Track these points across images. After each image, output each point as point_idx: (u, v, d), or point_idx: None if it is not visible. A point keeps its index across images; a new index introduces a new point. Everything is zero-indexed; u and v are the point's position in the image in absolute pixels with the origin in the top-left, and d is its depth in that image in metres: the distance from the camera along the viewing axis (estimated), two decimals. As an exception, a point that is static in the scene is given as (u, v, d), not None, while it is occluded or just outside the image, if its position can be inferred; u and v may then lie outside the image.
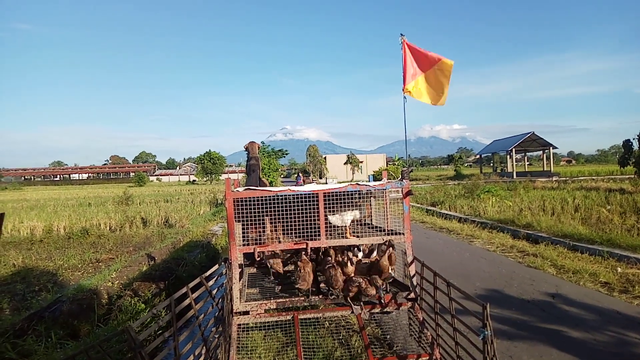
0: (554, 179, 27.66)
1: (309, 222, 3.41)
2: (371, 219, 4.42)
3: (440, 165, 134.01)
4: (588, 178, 27.77)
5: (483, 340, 2.42)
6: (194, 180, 69.92)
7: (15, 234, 11.43)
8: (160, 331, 3.64)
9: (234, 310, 3.24)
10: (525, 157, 46.93)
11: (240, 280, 3.46)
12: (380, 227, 4.00)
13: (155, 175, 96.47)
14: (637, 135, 25.67)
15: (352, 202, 3.73)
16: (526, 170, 42.85)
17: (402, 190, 3.57)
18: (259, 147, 5.74)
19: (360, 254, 3.81)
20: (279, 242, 3.53)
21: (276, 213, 3.48)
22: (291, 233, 3.50)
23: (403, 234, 3.53)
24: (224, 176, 58.17)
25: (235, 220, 3.40)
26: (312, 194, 3.41)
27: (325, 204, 3.39)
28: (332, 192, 3.45)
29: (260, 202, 3.48)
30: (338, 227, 3.66)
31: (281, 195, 3.46)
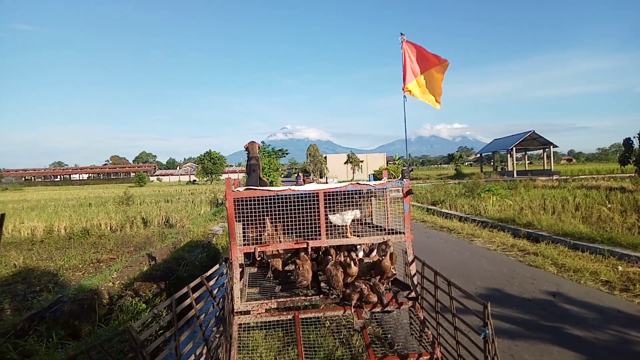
0: (555, 177, 27.64)
1: (309, 222, 3.41)
2: (372, 219, 4.41)
3: (440, 164, 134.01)
4: (588, 177, 27.74)
5: (484, 339, 2.42)
6: (194, 180, 69.95)
7: (16, 234, 11.44)
8: (161, 331, 3.65)
9: (235, 310, 3.24)
10: (526, 156, 46.92)
11: (241, 280, 3.46)
12: (381, 227, 4.00)
13: (156, 176, 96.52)
14: (638, 134, 25.64)
15: (352, 202, 3.73)
16: (527, 169, 42.85)
17: (402, 190, 3.57)
18: (259, 147, 5.74)
19: (360, 253, 3.81)
20: (280, 241, 3.53)
21: (277, 213, 3.48)
22: (292, 233, 3.50)
23: (404, 233, 3.53)
24: (224, 176, 58.19)
25: (236, 220, 3.40)
26: (313, 193, 3.41)
27: (325, 203, 3.39)
28: (333, 192, 3.45)
29: (260, 202, 3.48)
30: (339, 226, 3.66)
31: (281, 195, 3.46)
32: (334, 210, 3.57)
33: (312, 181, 34.51)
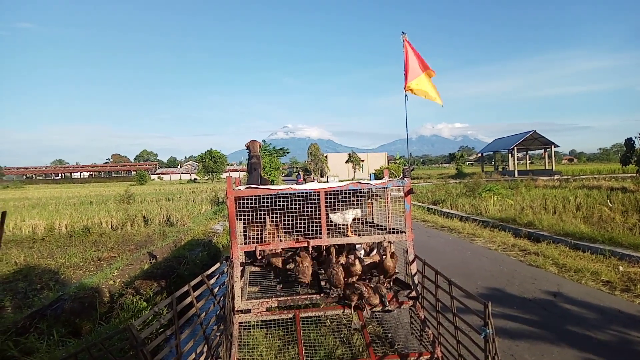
0: (556, 177, 27.59)
1: (310, 221, 3.41)
2: (372, 218, 4.41)
3: (441, 163, 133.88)
4: (590, 177, 27.68)
5: (485, 338, 2.41)
6: (195, 179, 70.01)
7: (17, 232, 11.46)
8: (161, 329, 3.66)
9: (236, 309, 3.24)
10: (527, 156, 46.82)
11: (241, 278, 3.46)
12: (381, 226, 4.00)
13: (157, 174, 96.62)
14: (639, 134, 25.60)
15: (353, 201, 3.72)
16: (528, 168, 42.77)
17: (403, 189, 3.56)
18: (260, 146, 5.74)
19: (361, 252, 3.81)
20: (280, 240, 3.53)
21: (278, 211, 3.47)
22: (293, 231, 3.50)
23: (404, 232, 3.53)
24: (225, 175, 58.23)
25: (237, 219, 3.40)
26: (314, 192, 3.41)
27: (326, 202, 3.38)
28: (334, 191, 3.45)
29: (261, 201, 3.48)
30: (339, 225, 3.66)
31: (282, 194, 3.46)
32: (335, 209, 3.56)
33: (313, 180, 34.53)
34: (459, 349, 2.82)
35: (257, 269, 4.36)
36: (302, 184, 3.87)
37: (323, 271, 3.81)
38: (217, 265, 3.85)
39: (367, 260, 3.58)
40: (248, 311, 3.29)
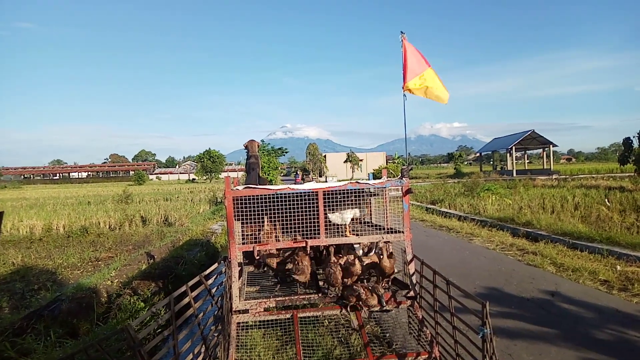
0: (554, 177, 27.66)
1: (308, 221, 3.40)
2: (371, 217, 4.41)
3: (440, 163, 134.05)
4: (588, 176, 27.78)
5: (482, 338, 2.41)
6: (193, 179, 69.89)
7: (15, 232, 11.43)
8: (159, 330, 3.65)
9: (234, 309, 3.23)
10: (525, 155, 46.92)
11: (239, 278, 3.45)
12: (380, 226, 4.00)
13: (155, 174, 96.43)
14: (638, 133, 25.69)
15: (351, 201, 3.72)
16: (526, 168, 42.86)
17: (402, 189, 3.56)
18: (258, 146, 5.73)
19: (359, 252, 3.81)
20: (278, 240, 3.52)
21: (276, 211, 3.47)
22: (291, 231, 3.50)
23: (403, 232, 3.53)
24: (223, 174, 58.15)
25: (235, 219, 3.39)
26: (312, 192, 3.40)
27: (324, 202, 3.38)
28: (332, 191, 3.44)
29: (259, 201, 3.47)
30: (338, 225, 3.66)
31: (281, 194, 3.45)
32: (333, 209, 3.56)
33: (311, 180, 34.53)
34: (457, 349, 2.82)
35: (254, 269, 4.35)
36: (300, 183, 3.86)
37: (321, 271, 3.80)
38: (215, 265, 3.85)
39: (365, 261, 3.57)
40: (246, 311, 3.28)
